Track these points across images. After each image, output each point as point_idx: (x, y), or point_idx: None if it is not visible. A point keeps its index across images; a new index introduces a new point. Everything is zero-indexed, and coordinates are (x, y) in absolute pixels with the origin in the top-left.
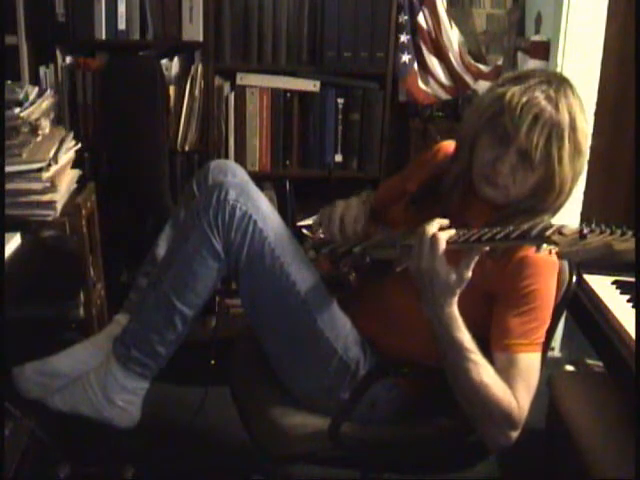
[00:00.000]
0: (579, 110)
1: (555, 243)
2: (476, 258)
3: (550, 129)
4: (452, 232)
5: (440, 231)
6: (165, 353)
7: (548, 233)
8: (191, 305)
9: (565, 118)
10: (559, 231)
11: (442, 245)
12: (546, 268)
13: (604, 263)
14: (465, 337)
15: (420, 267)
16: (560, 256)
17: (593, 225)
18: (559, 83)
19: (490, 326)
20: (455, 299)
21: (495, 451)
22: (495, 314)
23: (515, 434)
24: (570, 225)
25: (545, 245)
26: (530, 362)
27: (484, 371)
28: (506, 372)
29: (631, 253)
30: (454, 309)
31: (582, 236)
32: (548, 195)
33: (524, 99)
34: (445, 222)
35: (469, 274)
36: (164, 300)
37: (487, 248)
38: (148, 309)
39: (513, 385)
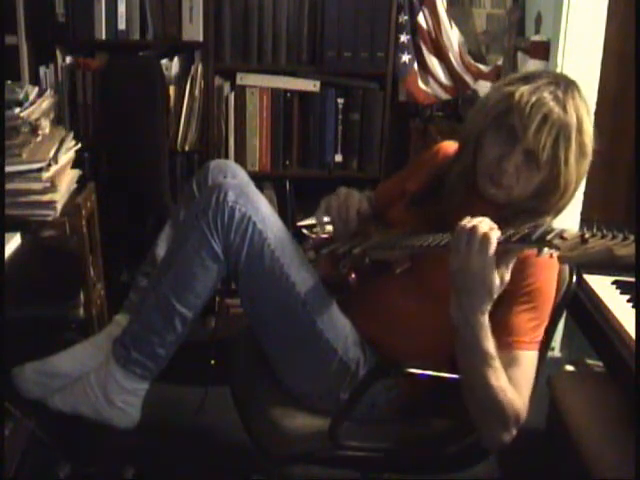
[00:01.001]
0: (586, 112)
1: (556, 247)
2: (514, 260)
3: (558, 130)
4: (498, 231)
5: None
6: (165, 354)
7: (549, 237)
8: (191, 306)
9: (572, 119)
10: (560, 235)
11: (493, 246)
12: (547, 267)
13: (605, 265)
14: (491, 345)
15: (467, 269)
16: (561, 260)
17: (594, 229)
18: (567, 85)
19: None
20: (490, 307)
21: (495, 450)
22: (496, 312)
23: (515, 431)
24: (571, 229)
25: (546, 249)
26: (530, 360)
27: (502, 376)
28: (509, 370)
29: (632, 258)
30: (487, 317)
31: (583, 240)
32: (551, 196)
33: (533, 99)
34: (494, 225)
35: (508, 277)
36: (164, 302)
37: None
38: (148, 310)
39: (517, 384)
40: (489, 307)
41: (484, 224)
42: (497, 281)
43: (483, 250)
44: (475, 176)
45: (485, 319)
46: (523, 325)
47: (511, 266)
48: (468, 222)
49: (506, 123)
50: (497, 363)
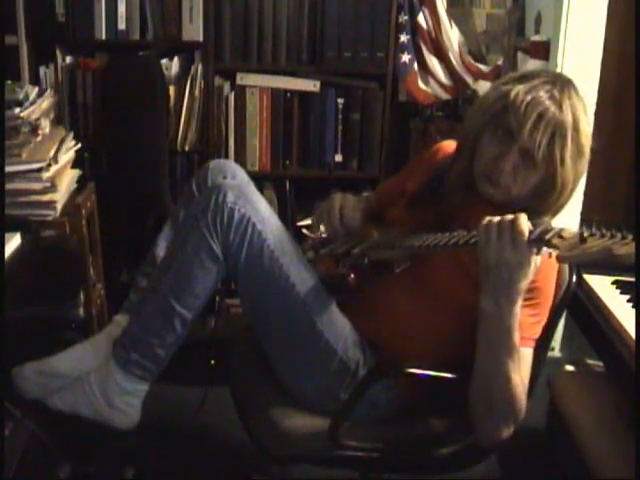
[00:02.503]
0: (582, 112)
1: (555, 246)
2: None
3: (554, 129)
4: (528, 221)
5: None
6: (165, 355)
7: (548, 236)
8: (190, 308)
9: (568, 118)
10: (559, 234)
11: (526, 236)
12: (547, 266)
13: (604, 265)
14: (518, 337)
15: (503, 261)
16: (560, 260)
17: (593, 229)
18: (563, 84)
19: None
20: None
21: (491, 447)
22: None
23: (513, 428)
24: (570, 229)
25: (545, 248)
26: (528, 357)
27: (519, 370)
28: None
29: (631, 257)
30: (519, 307)
31: (582, 240)
32: (549, 196)
33: (528, 98)
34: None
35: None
36: (163, 303)
37: None
38: (147, 312)
39: None
40: (521, 299)
41: (522, 218)
42: (530, 274)
43: (516, 242)
44: (473, 176)
45: (518, 308)
46: (522, 321)
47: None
48: (492, 218)
49: (502, 122)
50: (518, 356)
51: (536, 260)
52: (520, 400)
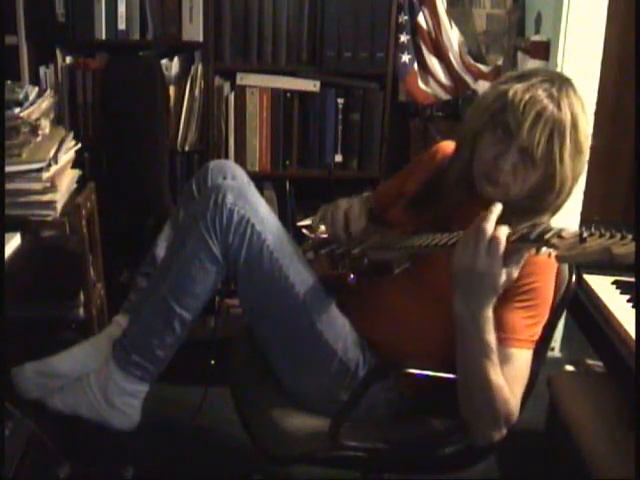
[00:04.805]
0: (581, 110)
1: (554, 246)
2: (524, 259)
3: (552, 127)
4: (507, 230)
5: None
6: (164, 356)
7: (547, 236)
8: (190, 309)
9: (567, 117)
10: (558, 234)
11: (502, 247)
12: (546, 266)
13: (602, 265)
14: (493, 339)
15: (474, 268)
16: (559, 260)
17: (592, 229)
18: (561, 82)
19: None
20: (494, 301)
21: (489, 450)
22: (494, 309)
23: (506, 430)
24: (569, 228)
25: (544, 248)
26: (525, 359)
27: (500, 372)
28: (502, 366)
29: (630, 257)
30: (491, 311)
31: (582, 240)
32: (548, 195)
33: (527, 96)
34: (499, 208)
35: (516, 274)
36: (163, 304)
37: None
38: (147, 313)
39: (511, 383)
40: (494, 301)
41: (490, 222)
42: (504, 278)
43: (492, 251)
44: (473, 175)
45: (490, 312)
46: (518, 323)
47: (522, 264)
48: (477, 222)
49: (501, 121)
50: (496, 359)
51: (512, 274)
52: (503, 402)
